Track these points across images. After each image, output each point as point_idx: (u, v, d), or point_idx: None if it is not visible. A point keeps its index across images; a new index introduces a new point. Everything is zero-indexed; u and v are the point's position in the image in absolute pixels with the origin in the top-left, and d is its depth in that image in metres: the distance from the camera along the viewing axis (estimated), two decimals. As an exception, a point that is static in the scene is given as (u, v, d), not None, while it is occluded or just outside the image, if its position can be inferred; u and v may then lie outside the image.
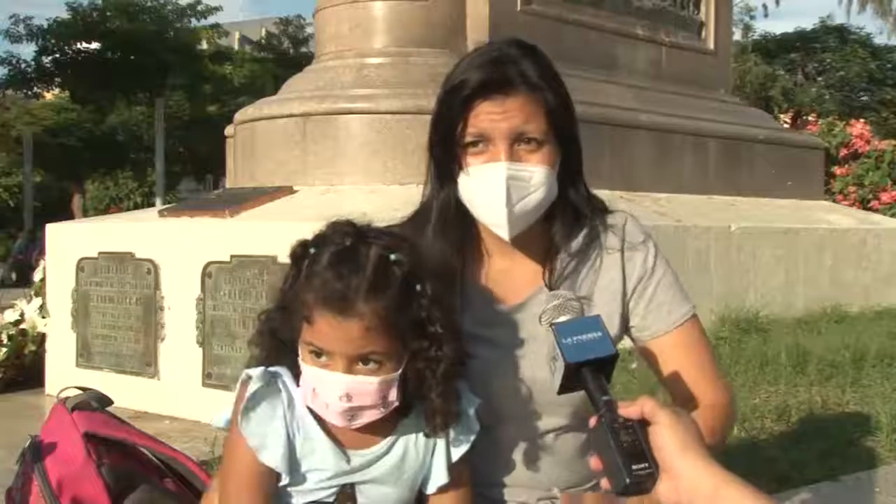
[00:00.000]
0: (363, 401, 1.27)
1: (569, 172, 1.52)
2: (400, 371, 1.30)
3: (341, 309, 1.24)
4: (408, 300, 1.28)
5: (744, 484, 1.10)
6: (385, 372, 1.28)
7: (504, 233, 1.46)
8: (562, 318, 1.31)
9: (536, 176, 1.45)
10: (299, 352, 1.31)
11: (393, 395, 1.30)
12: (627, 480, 1.12)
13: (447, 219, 1.52)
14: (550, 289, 1.50)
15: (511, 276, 1.55)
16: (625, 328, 1.57)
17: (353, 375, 1.26)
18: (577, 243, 1.54)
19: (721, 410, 1.51)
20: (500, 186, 1.43)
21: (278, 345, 1.34)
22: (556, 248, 1.53)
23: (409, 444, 1.37)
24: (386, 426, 1.35)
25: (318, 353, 1.27)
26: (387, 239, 1.31)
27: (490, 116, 1.43)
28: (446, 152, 1.48)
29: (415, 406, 1.36)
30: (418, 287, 1.29)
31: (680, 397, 1.52)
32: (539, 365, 1.46)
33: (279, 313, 1.33)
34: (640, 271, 1.55)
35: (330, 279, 1.25)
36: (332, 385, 1.26)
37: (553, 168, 1.47)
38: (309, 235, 1.34)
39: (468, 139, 1.45)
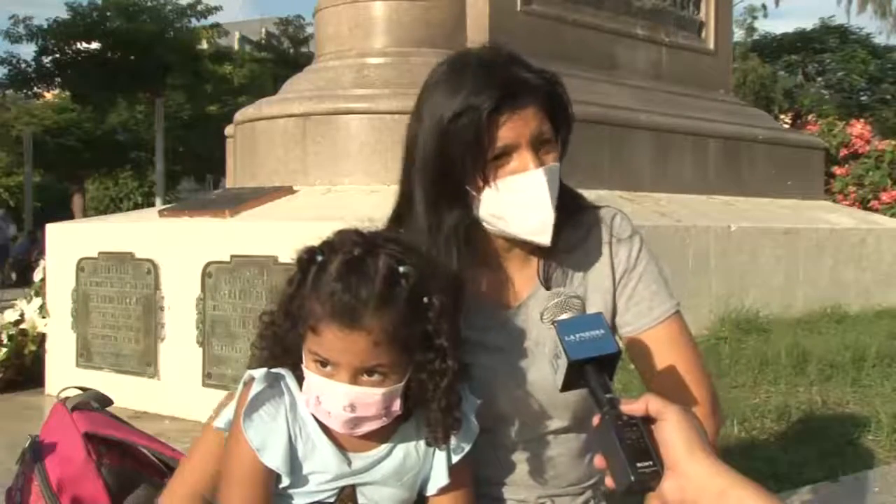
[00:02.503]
0: (367, 411, 1.27)
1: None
2: (404, 382, 1.29)
3: (349, 322, 1.23)
4: (415, 313, 1.27)
5: (751, 484, 1.09)
6: (389, 384, 1.28)
7: (546, 238, 1.44)
8: (564, 316, 1.30)
9: (556, 173, 1.45)
10: (303, 359, 1.30)
11: (396, 405, 1.30)
12: (632, 478, 1.11)
13: (461, 242, 1.46)
14: (546, 289, 1.49)
15: (507, 279, 1.54)
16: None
17: (357, 387, 1.26)
18: (568, 241, 1.53)
19: (701, 410, 1.47)
20: (543, 193, 1.41)
21: (281, 348, 1.34)
22: (551, 249, 1.51)
23: (410, 447, 1.37)
24: (387, 429, 1.34)
25: (323, 363, 1.27)
26: (395, 248, 1.29)
27: (512, 125, 1.40)
28: (464, 173, 1.42)
29: (416, 410, 1.35)
30: (426, 300, 1.28)
31: (661, 394, 1.50)
32: (538, 367, 1.46)
33: (283, 318, 1.32)
34: (624, 265, 1.54)
35: (338, 290, 1.24)
36: (337, 395, 1.26)
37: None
38: (312, 240, 1.33)
39: (495, 153, 1.41)
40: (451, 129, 1.41)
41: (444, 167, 1.44)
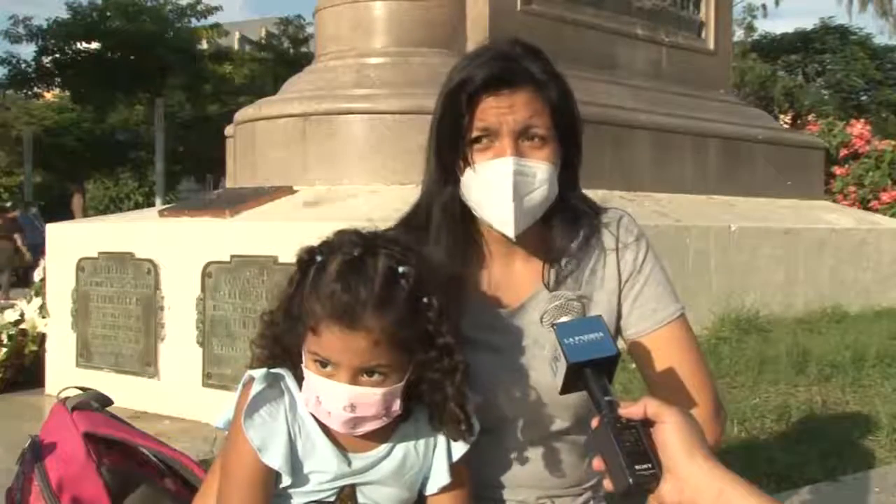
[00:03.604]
0: (367, 411, 1.28)
1: (568, 173, 1.51)
2: (403, 382, 1.30)
3: (349, 322, 1.23)
4: (415, 313, 1.27)
5: (749, 486, 1.10)
6: (389, 383, 1.28)
7: (510, 230, 1.45)
8: (563, 319, 1.31)
9: (540, 173, 1.44)
10: (303, 359, 1.31)
11: (396, 405, 1.30)
12: (630, 481, 1.12)
13: (451, 221, 1.49)
14: (550, 291, 1.49)
15: (510, 280, 1.54)
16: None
17: (357, 387, 1.26)
18: (574, 244, 1.53)
19: (704, 414, 1.47)
20: (507, 181, 1.41)
21: (281, 349, 1.34)
22: (555, 250, 1.52)
23: (410, 447, 1.37)
24: (386, 429, 1.35)
25: (322, 363, 1.27)
26: (394, 249, 1.30)
27: (497, 110, 1.42)
28: (451, 151, 1.46)
29: (414, 410, 1.36)
30: (425, 300, 1.29)
31: (664, 398, 1.50)
32: (540, 368, 1.46)
33: (283, 318, 1.33)
34: (630, 269, 1.55)
35: (338, 291, 1.24)
36: (337, 395, 1.26)
37: (555, 166, 1.47)
38: (312, 240, 1.33)
39: (474, 134, 1.43)
40: (446, 106, 1.45)
41: (439, 143, 1.48)
